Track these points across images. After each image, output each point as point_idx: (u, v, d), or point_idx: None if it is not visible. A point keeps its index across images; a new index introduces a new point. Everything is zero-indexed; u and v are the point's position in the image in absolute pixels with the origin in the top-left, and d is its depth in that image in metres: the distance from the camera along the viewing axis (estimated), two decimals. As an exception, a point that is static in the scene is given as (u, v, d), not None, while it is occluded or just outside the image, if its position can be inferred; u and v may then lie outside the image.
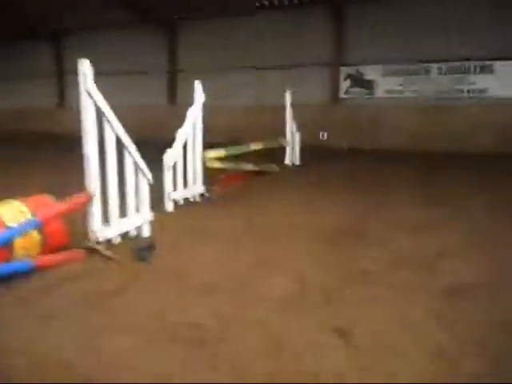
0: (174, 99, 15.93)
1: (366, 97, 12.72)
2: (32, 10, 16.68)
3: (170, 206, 5.71)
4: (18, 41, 19.14)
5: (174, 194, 5.78)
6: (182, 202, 5.98)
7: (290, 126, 9.61)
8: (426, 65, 11.96)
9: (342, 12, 12.57)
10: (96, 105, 3.77)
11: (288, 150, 9.63)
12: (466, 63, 11.53)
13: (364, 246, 4.24)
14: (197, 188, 6.27)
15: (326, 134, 12.81)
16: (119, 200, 4.16)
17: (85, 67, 3.66)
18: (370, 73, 12.53)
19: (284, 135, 9.52)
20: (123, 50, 16.96)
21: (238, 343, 2.46)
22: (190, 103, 6.02)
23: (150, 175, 4.49)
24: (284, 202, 6.26)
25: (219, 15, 14.46)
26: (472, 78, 11.49)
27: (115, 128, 4.00)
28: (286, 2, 13.21)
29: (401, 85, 12.29)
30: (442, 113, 11.86)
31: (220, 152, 6.71)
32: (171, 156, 5.66)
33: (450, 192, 6.65)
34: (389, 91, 12.46)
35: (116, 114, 3.96)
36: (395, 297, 3.07)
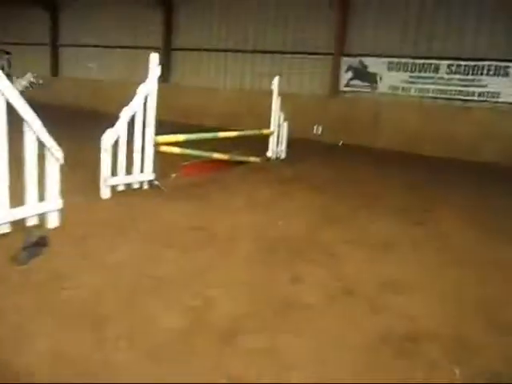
0: (166, 78, 15.11)
1: (367, 91, 11.73)
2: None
3: (105, 193, 4.96)
4: (16, 7, 18.38)
5: (112, 179, 5.03)
6: (122, 188, 5.23)
7: (276, 115, 8.75)
8: (435, 62, 10.86)
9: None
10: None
11: (272, 141, 8.78)
12: (480, 63, 10.47)
13: (307, 264, 3.44)
14: (145, 175, 5.50)
15: (320, 128, 11.90)
16: (8, 181, 3.39)
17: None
18: (374, 66, 11.50)
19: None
20: (117, 25, 16.14)
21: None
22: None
23: (59, 154, 3.72)
24: (247, 200, 5.46)
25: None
26: (484, 79, 10.45)
27: (6, 96, 3.22)
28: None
29: (406, 81, 11.25)
30: (449, 116, 10.83)
31: (176, 136, 5.90)
32: (110, 136, 4.88)
33: (435, 207, 5.74)
34: (393, 87, 11.42)
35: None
36: (314, 352, 2.27)
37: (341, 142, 11.42)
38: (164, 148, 5.70)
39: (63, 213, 3.81)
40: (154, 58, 5.28)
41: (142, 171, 5.45)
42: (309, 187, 6.36)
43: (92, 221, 4.06)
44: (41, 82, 11.84)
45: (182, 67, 15.17)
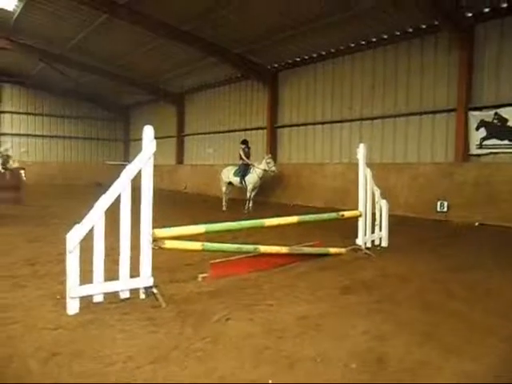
0: (273, 158, 14.34)
1: (510, 151, 8.69)
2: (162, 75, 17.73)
3: (71, 308, 3.74)
4: (151, 106, 20.77)
5: (82, 288, 3.81)
6: (100, 299, 3.95)
7: (365, 192, 6.74)
8: None
9: (471, 34, 9.16)
10: None
11: (361, 226, 6.67)
12: None
13: None
14: (140, 280, 4.15)
15: (445, 204, 9.10)
16: None
17: None
18: (517, 117, 8.58)
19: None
20: (228, 110, 16.52)
21: None
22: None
23: None
24: (261, 326, 3.54)
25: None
26: None
27: None
28: (398, 33, 10.46)
29: None
30: None
31: (187, 229, 4.49)
32: (76, 235, 3.73)
33: None
34: (549, 144, 8.24)
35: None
36: None
37: (477, 223, 8.43)
38: (169, 244, 4.33)
39: None
40: (148, 131, 4.16)
41: (135, 275, 4.13)
42: (377, 305, 4.08)
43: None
44: (273, 169, 11.85)
45: (289, 145, 14.27)
